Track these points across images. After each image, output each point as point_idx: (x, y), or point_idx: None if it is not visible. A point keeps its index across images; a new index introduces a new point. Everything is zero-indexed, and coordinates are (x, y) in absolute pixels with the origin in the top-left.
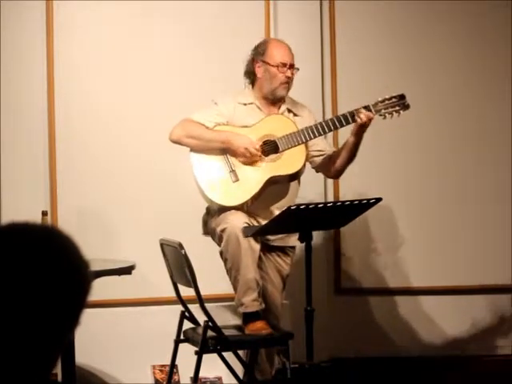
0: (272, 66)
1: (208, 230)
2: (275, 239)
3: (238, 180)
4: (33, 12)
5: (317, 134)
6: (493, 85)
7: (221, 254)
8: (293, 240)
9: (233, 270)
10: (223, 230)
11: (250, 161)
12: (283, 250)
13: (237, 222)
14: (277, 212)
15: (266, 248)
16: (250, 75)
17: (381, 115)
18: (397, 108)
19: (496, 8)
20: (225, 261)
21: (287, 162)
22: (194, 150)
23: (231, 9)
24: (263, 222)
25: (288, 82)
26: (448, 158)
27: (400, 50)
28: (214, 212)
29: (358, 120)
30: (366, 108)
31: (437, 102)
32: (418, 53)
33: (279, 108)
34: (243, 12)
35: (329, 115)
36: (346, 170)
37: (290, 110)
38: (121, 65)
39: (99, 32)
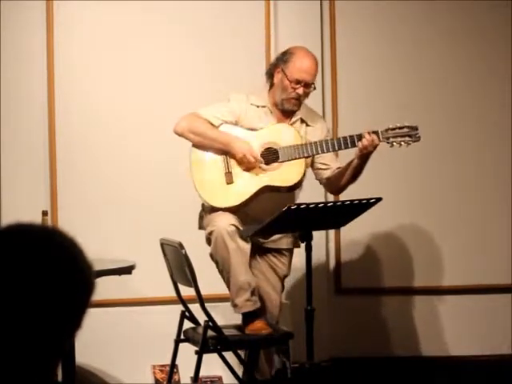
0: (287, 78)
1: (203, 225)
2: (268, 241)
3: (231, 183)
4: (33, 12)
5: (319, 152)
6: (493, 84)
7: (211, 256)
8: (286, 242)
9: (224, 272)
10: (210, 233)
11: (249, 166)
12: (279, 251)
13: (223, 223)
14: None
15: (261, 249)
16: (270, 78)
17: (388, 143)
18: (407, 138)
19: (496, 8)
20: (216, 263)
21: (284, 174)
22: (195, 145)
23: (231, 9)
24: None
25: (298, 99)
26: (448, 157)
27: (400, 50)
28: (206, 209)
29: (359, 145)
30: (375, 133)
31: (437, 102)
32: (417, 53)
33: (292, 116)
34: (243, 12)
35: (329, 115)
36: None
37: (303, 120)
38: (121, 65)
39: (99, 32)
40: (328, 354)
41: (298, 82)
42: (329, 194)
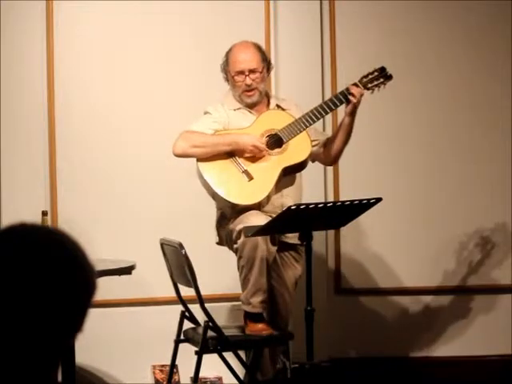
0: (231, 75)
1: (221, 238)
2: (292, 236)
3: (252, 178)
4: (33, 12)
5: (315, 119)
6: (493, 84)
7: (236, 250)
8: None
9: (245, 269)
10: (242, 230)
11: (259, 157)
12: (297, 251)
13: (258, 223)
14: (290, 202)
15: (282, 250)
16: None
17: (368, 89)
18: (381, 80)
19: (496, 8)
20: (239, 258)
21: (295, 151)
22: (200, 158)
23: (231, 9)
24: None
25: (251, 89)
26: (448, 157)
27: (400, 50)
28: (230, 216)
29: (352, 99)
30: (355, 85)
31: (436, 101)
32: (418, 52)
33: (268, 105)
34: (243, 12)
35: (328, 115)
36: (344, 166)
37: (279, 106)
38: (121, 65)
39: (99, 32)
40: (328, 353)
41: (239, 73)
42: (328, 194)
